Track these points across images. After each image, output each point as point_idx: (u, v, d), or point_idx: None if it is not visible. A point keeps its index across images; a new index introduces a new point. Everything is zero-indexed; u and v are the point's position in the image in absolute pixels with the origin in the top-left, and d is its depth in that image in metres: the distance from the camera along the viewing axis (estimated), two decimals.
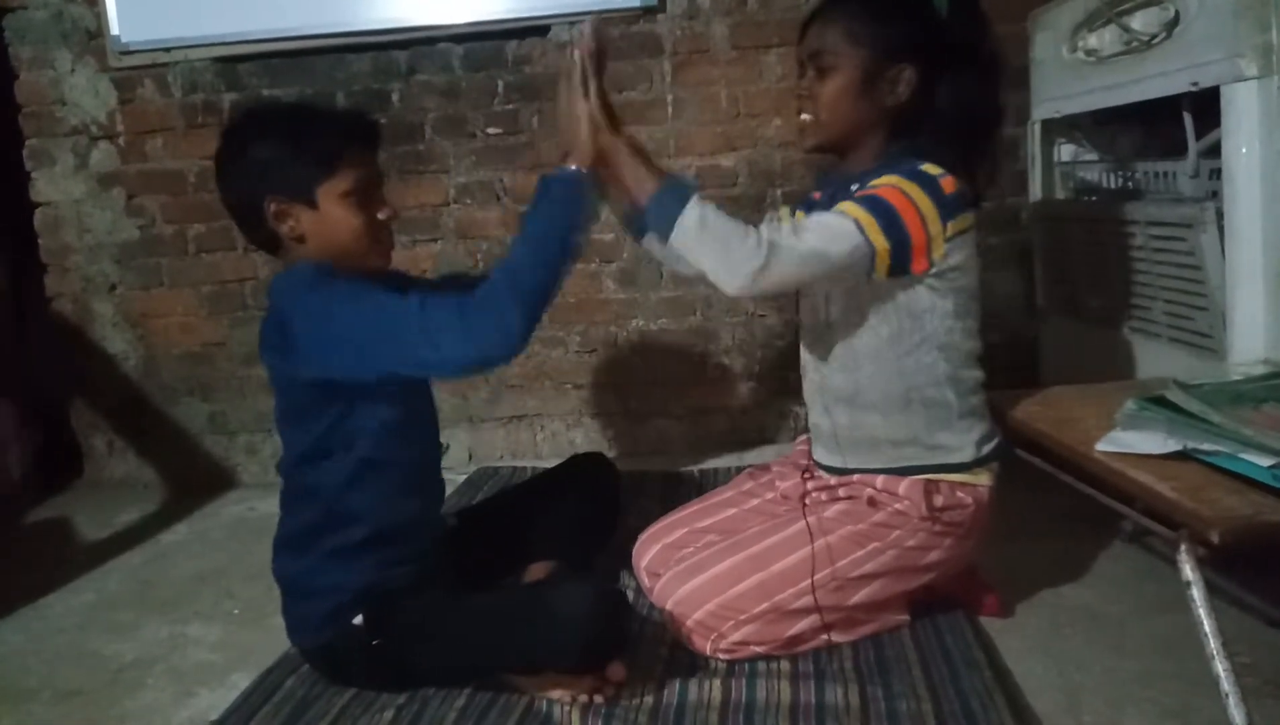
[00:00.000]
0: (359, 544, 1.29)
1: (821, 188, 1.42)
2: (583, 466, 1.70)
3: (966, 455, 1.31)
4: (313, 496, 1.31)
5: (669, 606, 1.34)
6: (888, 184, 1.21)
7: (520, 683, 1.27)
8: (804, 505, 1.39)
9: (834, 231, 1.19)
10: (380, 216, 1.29)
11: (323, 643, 1.31)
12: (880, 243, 1.18)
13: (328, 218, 1.25)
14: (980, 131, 1.30)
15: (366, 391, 1.25)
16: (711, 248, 1.18)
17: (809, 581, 1.29)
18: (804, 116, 1.32)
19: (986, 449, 1.33)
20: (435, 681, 1.29)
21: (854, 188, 1.29)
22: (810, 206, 1.40)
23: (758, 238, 1.16)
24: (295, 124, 1.28)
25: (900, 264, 1.21)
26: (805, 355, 1.44)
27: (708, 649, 1.31)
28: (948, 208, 1.21)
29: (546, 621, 1.18)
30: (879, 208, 1.19)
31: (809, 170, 2.26)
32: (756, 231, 1.17)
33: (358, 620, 1.27)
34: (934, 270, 1.23)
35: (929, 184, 1.21)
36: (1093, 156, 1.90)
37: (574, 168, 1.22)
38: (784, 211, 1.51)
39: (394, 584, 1.30)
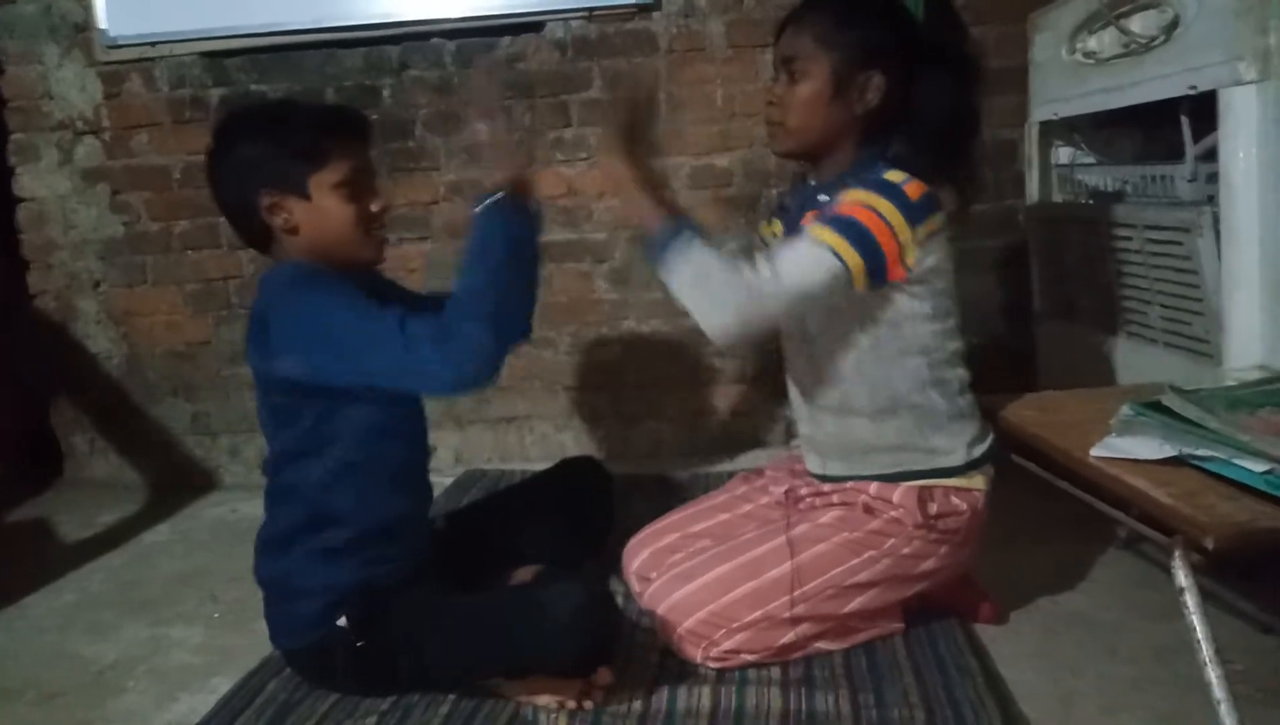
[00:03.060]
0: (342, 545, 1.27)
1: (793, 196, 1.42)
2: (573, 470, 1.69)
3: (959, 458, 1.30)
4: (295, 497, 1.29)
5: (660, 613, 1.32)
6: (854, 201, 1.21)
7: (507, 688, 1.25)
8: (796, 511, 1.38)
9: (809, 263, 1.19)
10: (373, 208, 1.29)
11: (306, 645, 1.29)
12: (854, 261, 1.18)
13: (320, 209, 1.25)
14: (956, 138, 1.29)
15: (348, 392, 1.24)
16: (699, 293, 1.19)
17: (802, 590, 1.28)
18: (773, 121, 1.32)
19: (978, 451, 1.31)
20: (422, 684, 1.27)
21: (821, 197, 1.30)
22: (784, 212, 1.42)
23: (741, 287, 1.16)
24: (285, 118, 1.28)
25: (877, 276, 1.21)
26: (789, 368, 1.43)
27: (698, 657, 1.29)
28: (915, 213, 1.21)
29: (536, 622, 1.17)
30: (847, 227, 1.19)
31: (800, 167, 2.25)
32: (743, 278, 1.17)
33: (342, 622, 1.25)
34: (910, 276, 1.23)
35: (893, 193, 1.21)
36: (1090, 159, 1.90)
37: (489, 190, 1.22)
38: (763, 227, 1.49)
39: (380, 585, 1.28)
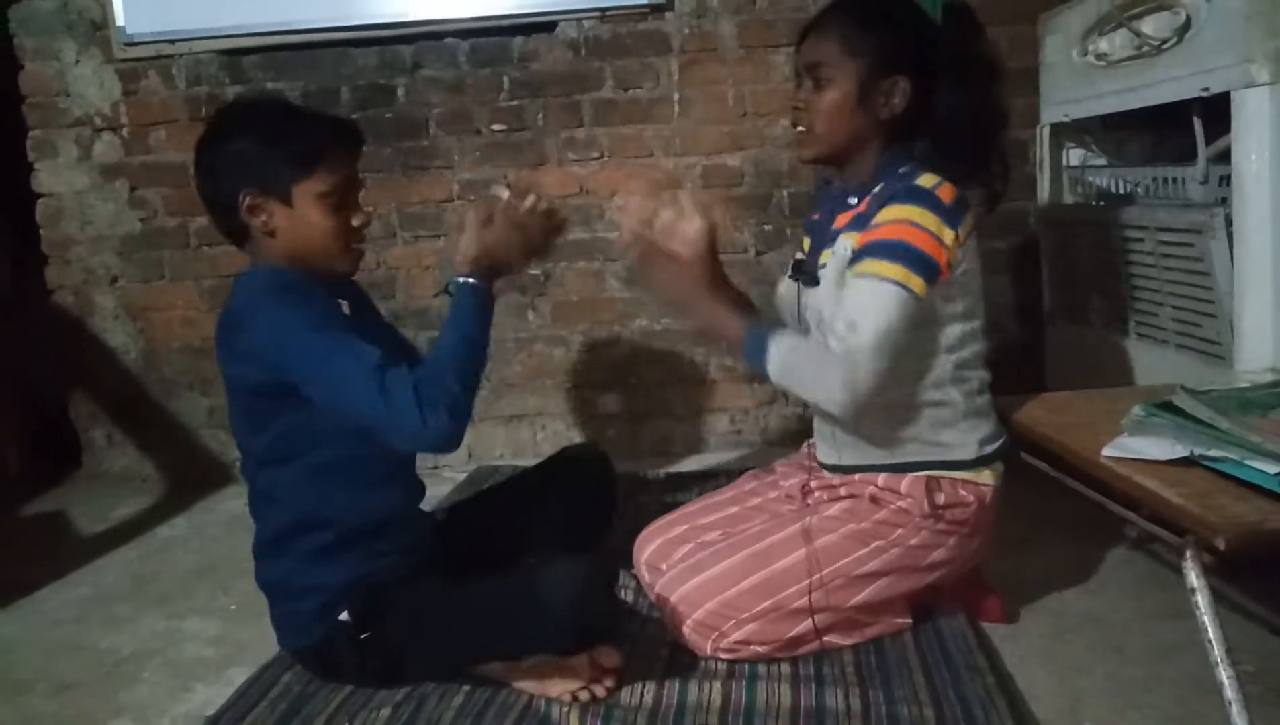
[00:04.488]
0: (334, 544, 1.28)
1: (819, 206, 1.43)
2: (574, 458, 1.68)
3: (968, 453, 1.31)
4: (276, 502, 1.30)
5: (670, 604, 1.33)
6: (894, 220, 1.21)
7: (518, 678, 1.26)
8: (804, 505, 1.39)
9: (878, 305, 1.19)
10: (354, 222, 1.29)
11: (313, 642, 1.30)
12: (917, 283, 1.20)
13: (301, 217, 1.26)
14: (983, 137, 1.29)
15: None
16: (803, 384, 1.25)
17: (810, 580, 1.28)
18: (799, 128, 1.33)
19: (989, 448, 1.32)
20: (428, 674, 1.29)
21: (851, 201, 1.31)
22: (812, 228, 1.43)
23: (833, 358, 1.19)
24: (280, 121, 1.28)
25: (933, 281, 1.22)
26: None
27: (708, 648, 1.30)
28: (952, 216, 1.22)
29: (531, 599, 1.17)
30: (900, 252, 1.20)
31: (815, 171, 2.25)
32: (827, 351, 1.20)
33: (344, 616, 1.26)
34: (950, 278, 1.23)
35: (929, 200, 1.21)
36: (1101, 161, 1.90)
37: (471, 279, 1.25)
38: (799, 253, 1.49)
39: (379, 578, 1.29)
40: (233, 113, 1.32)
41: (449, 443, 1.18)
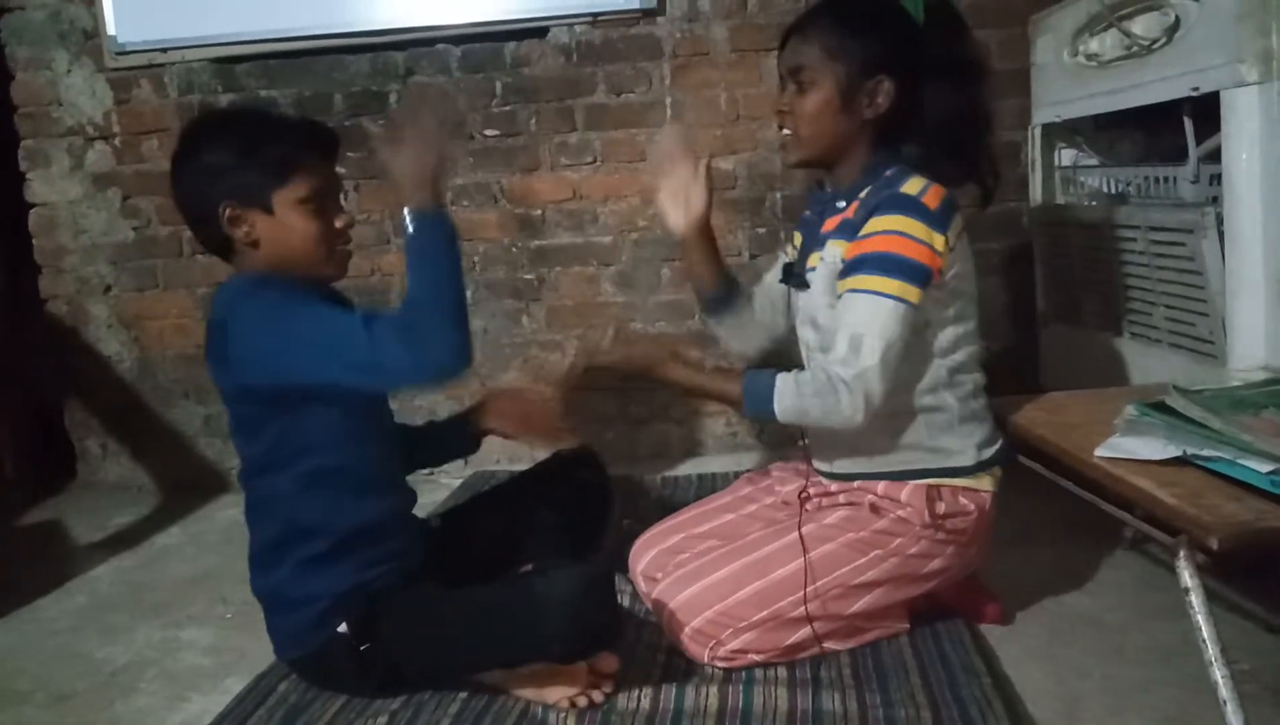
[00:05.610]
0: (328, 552, 1.27)
1: (810, 205, 1.43)
2: (568, 463, 1.66)
3: (968, 459, 1.30)
4: (271, 510, 1.30)
5: (666, 613, 1.33)
6: (883, 231, 1.21)
7: (516, 685, 1.25)
8: (802, 512, 1.38)
9: (879, 320, 1.20)
10: (338, 224, 1.28)
11: (309, 653, 1.29)
12: (912, 293, 1.20)
13: (283, 224, 1.24)
14: (968, 137, 1.29)
15: (311, 398, 1.23)
16: (814, 415, 1.24)
17: (807, 590, 1.28)
18: (785, 131, 1.33)
19: (988, 453, 1.32)
20: (428, 683, 1.28)
21: (839, 205, 1.30)
22: (804, 226, 1.42)
23: (839, 384, 1.20)
24: (253, 129, 1.26)
25: (927, 288, 1.22)
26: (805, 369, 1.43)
27: (705, 657, 1.30)
28: (940, 221, 1.22)
29: (534, 606, 1.16)
30: (893, 266, 1.20)
31: (808, 174, 2.25)
32: (831, 378, 1.21)
33: (343, 628, 1.25)
34: (940, 281, 1.23)
35: (915, 209, 1.21)
36: (1093, 161, 1.90)
37: (416, 210, 1.17)
38: (790, 249, 1.50)
39: (375, 586, 1.28)
40: (204, 125, 1.30)
41: (444, 369, 1.16)
